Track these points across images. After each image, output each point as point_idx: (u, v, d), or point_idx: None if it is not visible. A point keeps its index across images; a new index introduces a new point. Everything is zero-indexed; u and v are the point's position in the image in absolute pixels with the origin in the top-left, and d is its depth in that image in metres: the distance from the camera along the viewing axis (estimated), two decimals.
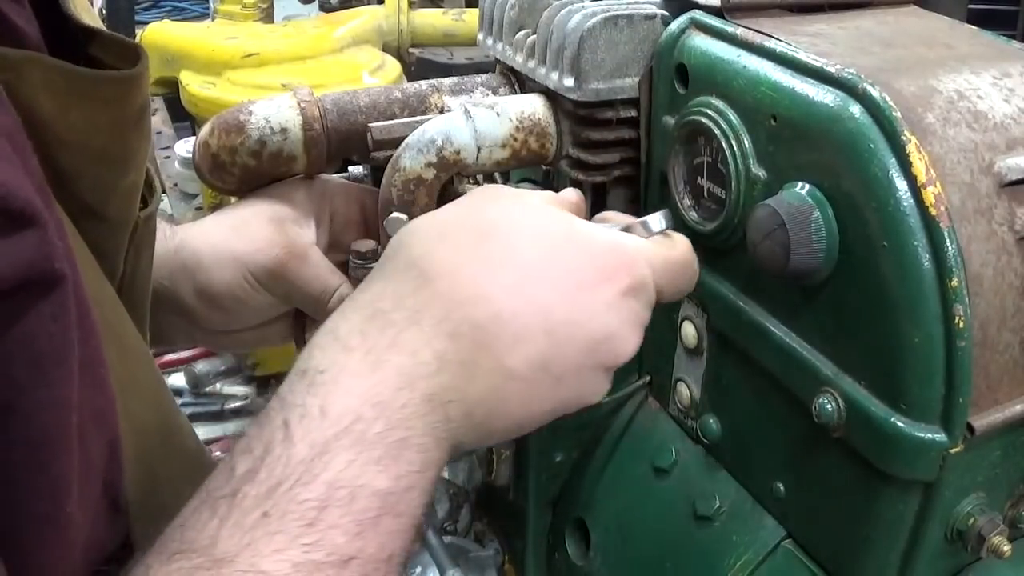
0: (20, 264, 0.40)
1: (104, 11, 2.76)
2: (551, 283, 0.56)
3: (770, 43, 0.66)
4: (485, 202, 0.61)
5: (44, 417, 0.43)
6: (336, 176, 0.86)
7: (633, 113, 0.77)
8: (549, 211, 0.60)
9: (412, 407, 0.51)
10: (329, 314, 0.57)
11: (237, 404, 1.65)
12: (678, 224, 0.74)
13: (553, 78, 0.76)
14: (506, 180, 0.97)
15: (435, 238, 0.57)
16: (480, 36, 0.87)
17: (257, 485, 0.47)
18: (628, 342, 0.59)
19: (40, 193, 0.43)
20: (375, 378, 0.51)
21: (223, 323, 0.78)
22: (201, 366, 1.94)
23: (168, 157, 1.87)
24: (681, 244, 0.64)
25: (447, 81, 0.85)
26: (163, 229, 0.74)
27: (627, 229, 0.64)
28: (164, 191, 2.29)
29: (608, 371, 0.59)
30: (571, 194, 0.67)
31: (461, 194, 0.90)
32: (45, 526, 0.44)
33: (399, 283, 0.55)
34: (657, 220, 0.63)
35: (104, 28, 0.58)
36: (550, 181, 1.00)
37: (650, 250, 0.61)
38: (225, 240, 0.76)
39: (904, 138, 0.56)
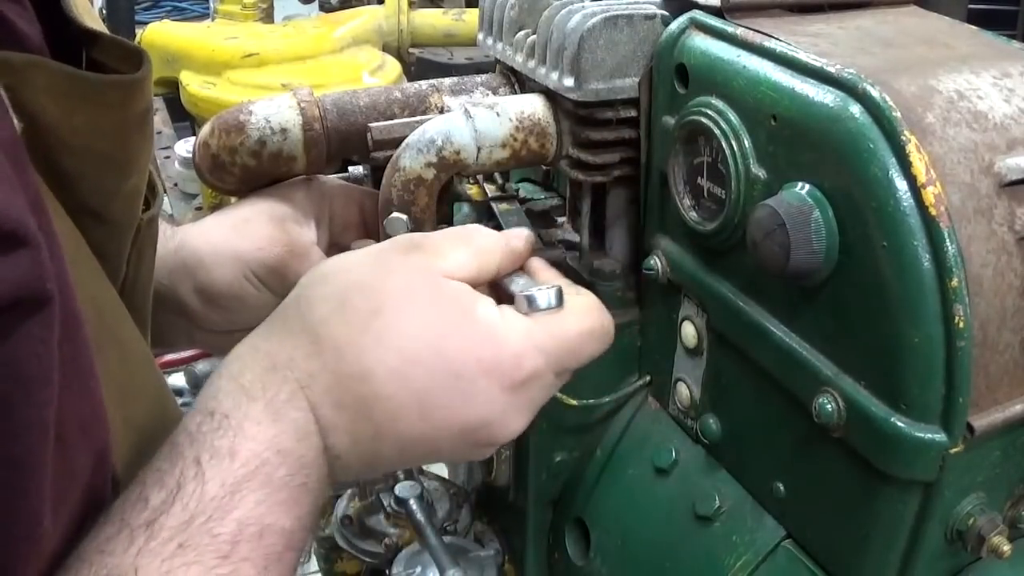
0: (11, 284, 0.41)
1: (104, 11, 2.76)
2: (430, 371, 0.59)
3: (770, 43, 0.66)
4: (389, 272, 0.62)
5: (28, 438, 0.43)
6: (334, 177, 0.86)
7: (633, 113, 0.77)
8: (447, 293, 0.61)
9: (309, 458, 0.56)
10: None
11: None
12: (679, 224, 0.74)
13: (553, 78, 0.76)
14: (506, 180, 0.97)
15: (334, 307, 0.60)
16: (480, 36, 0.87)
17: (173, 517, 0.51)
18: (508, 428, 0.61)
19: (35, 208, 0.43)
20: (277, 428, 0.56)
21: (223, 323, 0.78)
22: (201, 366, 1.94)
23: (168, 157, 1.87)
24: (573, 317, 0.64)
25: (447, 81, 0.85)
26: (163, 229, 0.74)
27: (525, 298, 0.62)
28: (165, 192, 2.29)
29: (491, 446, 0.63)
30: (514, 241, 0.67)
31: (461, 194, 0.90)
32: (22, 543, 0.45)
33: (295, 346, 0.59)
34: (545, 298, 0.62)
35: (106, 31, 0.58)
36: (550, 181, 1.00)
37: (539, 336, 0.61)
38: (226, 239, 0.77)
39: (904, 138, 0.56)
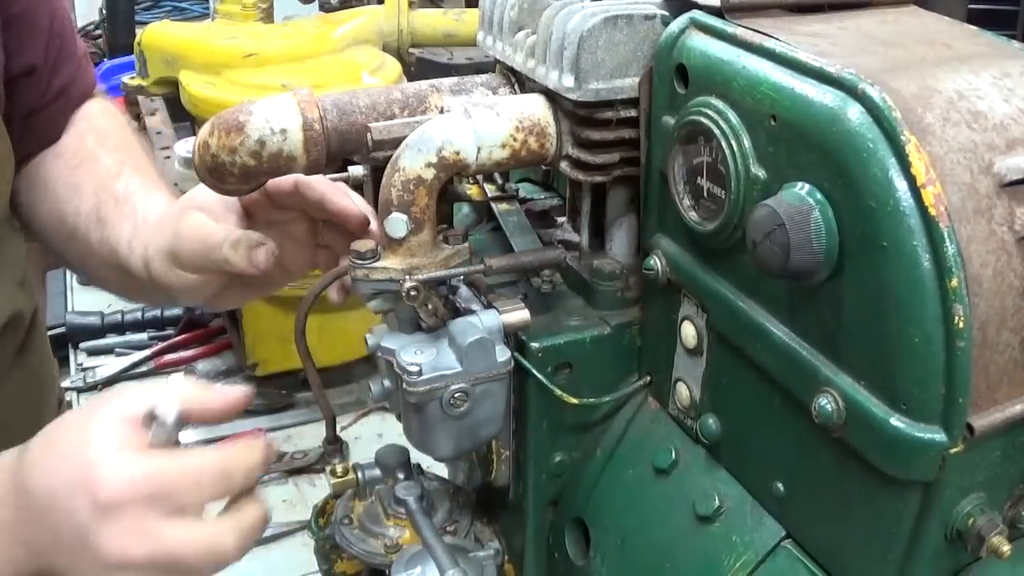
0: None
1: (104, 11, 2.76)
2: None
3: (770, 43, 0.66)
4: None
5: None
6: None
7: (633, 113, 0.77)
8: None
9: None
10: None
11: None
12: (679, 224, 0.74)
13: (553, 78, 0.76)
14: (506, 180, 0.97)
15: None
16: (480, 36, 0.87)
17: None
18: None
19: None
20: None
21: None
22: (201, 366, 1.94)
23: (168, 157, 1.86)
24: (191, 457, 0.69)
25: (447, 81, 0.85)
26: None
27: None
28: None
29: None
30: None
31: (461, 194, 0.90)
32: None
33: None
34: (167, 410, 0.68)
35: None
36: (550, 181, 1.00)
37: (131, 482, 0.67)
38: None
39: (904, 138, 0.56)
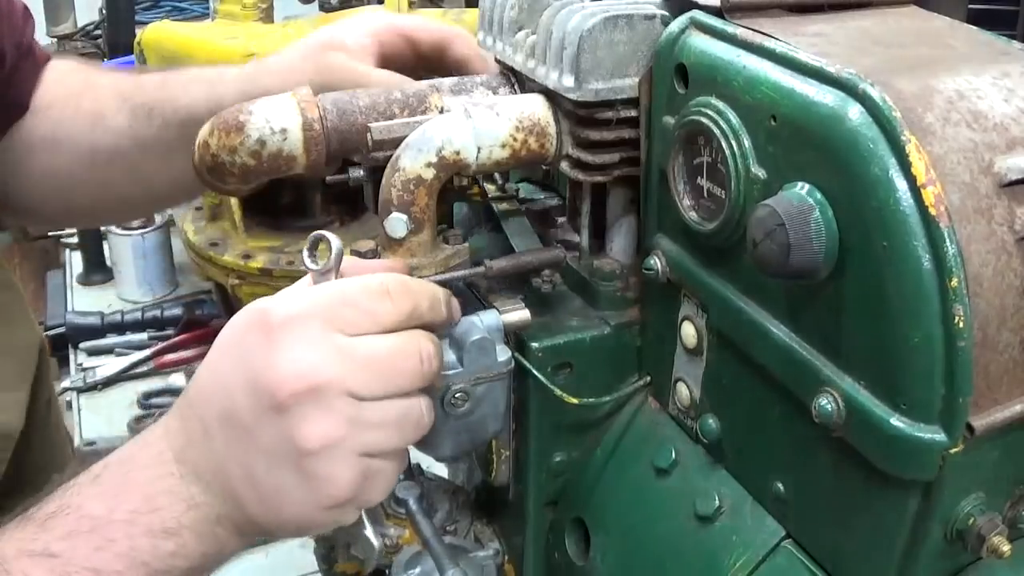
0: None
1: (104, 11, 2.76)
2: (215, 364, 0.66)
3: (770, 43, 0.66)
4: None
5: None
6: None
7: (633, 113, 0.77)
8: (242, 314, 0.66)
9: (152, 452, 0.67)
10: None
11: None
12: (679, 224, 0.74)
13: (553, 78, 0.76)
14: (506, 180, 0.97)
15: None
16: (480, 36, 0.87)
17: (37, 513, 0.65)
18: (288, 367, 0.62)
19: None
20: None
21: None
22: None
23: None
24: (347, 278, 0.65)
25: (447, 81, 0.85)
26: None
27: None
28: None
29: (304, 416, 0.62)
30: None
31: (460, 194, 0.90)
32: None
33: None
34: (313, 260, 0.65)
35: None
36: (550, 181, 1.00)
37: (297, 291, 0.64)
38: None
39: (904, 138, 0.56)
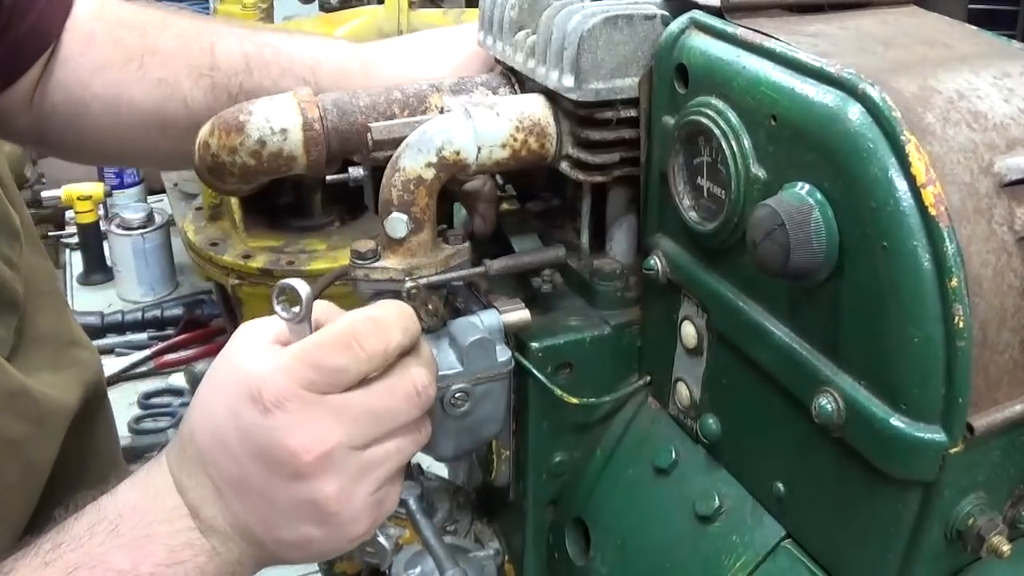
0: None
1: None
2: (210, 416, 0.67)
3: (770, 43, 0.66)
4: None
5: None
6: None
7: (633, 113, 0.77)
8: (224, 355, 0.67)
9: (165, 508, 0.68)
10: None
11: None
12: (679, 224, 0.74)
13: (553, 78, 0.76)
14: (506, 180, 0.97)
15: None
16: (480, 36, 0.87)
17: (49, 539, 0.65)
18: (298, 445, 0.64)
19: None
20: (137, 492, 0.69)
21: None
22: (201, 366, 1.95)
23: None
24: (320, 330, 0.65)
25: (447, 81, 0.85)
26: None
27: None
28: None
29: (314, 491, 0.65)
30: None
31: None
32: None
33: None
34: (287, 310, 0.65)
35: None
36: (550, 181, 1.00)
37: (282, 357, 0.64)
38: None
39: (904, 138, 0.56)
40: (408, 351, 0.67)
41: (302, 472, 0.63)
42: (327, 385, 0.63)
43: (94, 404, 0.93)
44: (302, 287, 0.63)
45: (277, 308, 0.64)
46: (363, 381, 0.65)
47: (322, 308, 0.67)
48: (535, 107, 0.78)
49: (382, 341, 0.65)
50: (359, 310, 0.67)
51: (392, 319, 0.67)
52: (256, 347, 0.65)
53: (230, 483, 0.65)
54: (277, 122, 0.77)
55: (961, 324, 0.55)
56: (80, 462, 0.88)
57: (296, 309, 0.64)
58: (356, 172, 0.86)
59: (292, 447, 0.62)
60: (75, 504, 0.68)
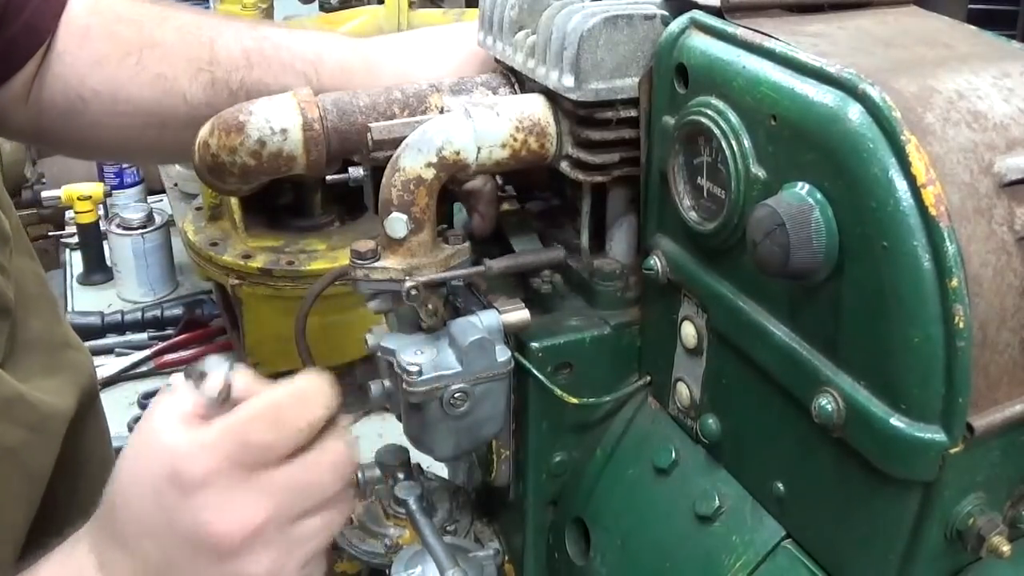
0: None
1: None
2: (127, 488, 0.66)
3: (770, 43, 0.66)
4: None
5: None
6: None
7: (633, 113, 0.77)
8: (143, 427, 0.66)
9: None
10: None
11: None
12: (679, 224, 0.74)
13: (553, 78, 0.76)
14: (506, 180, 0.97)
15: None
16: (480, 36, 0.87)
17: None
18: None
19: None
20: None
21: None
22: (202, 366, 1.94)
23: None
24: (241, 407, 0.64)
25: (447, 81, 0.85)
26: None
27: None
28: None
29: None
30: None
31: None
32: None
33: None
34: (214, 363, 0.64)
35: None
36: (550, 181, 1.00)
37: (205, 435, 0.62)
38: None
39: (904, 138, 0.56)
40: (327, 425, 0.67)
41: (232, 552, 0.62)
42: (254, 462, 0.62)
43: (87, 406, 0.93)
44: (219, 368, 0.63)
45: (193, 388, 0.63)
46: (287, 456, 0.64)
47: (243, 382, 0.66)
48: (535, 107, 0.78)
49: (306, 416, 0.64)
50: (280, 385, 0.66)
51: (314, 394, 0.66)
52: (177, 421, 0.63)
53: (156, 566, 0.64)
54: (277, 122, 0.77)
55: (961, 324, 0.55)
56: (76, 465, 0.88)
57: (216, 388, 0.63)
58: (356, 172, 0.86)
59: (219, 528, 0.61)
60: None
